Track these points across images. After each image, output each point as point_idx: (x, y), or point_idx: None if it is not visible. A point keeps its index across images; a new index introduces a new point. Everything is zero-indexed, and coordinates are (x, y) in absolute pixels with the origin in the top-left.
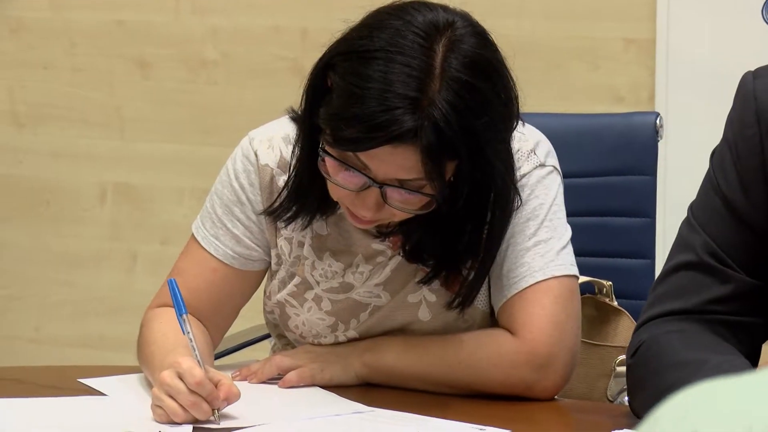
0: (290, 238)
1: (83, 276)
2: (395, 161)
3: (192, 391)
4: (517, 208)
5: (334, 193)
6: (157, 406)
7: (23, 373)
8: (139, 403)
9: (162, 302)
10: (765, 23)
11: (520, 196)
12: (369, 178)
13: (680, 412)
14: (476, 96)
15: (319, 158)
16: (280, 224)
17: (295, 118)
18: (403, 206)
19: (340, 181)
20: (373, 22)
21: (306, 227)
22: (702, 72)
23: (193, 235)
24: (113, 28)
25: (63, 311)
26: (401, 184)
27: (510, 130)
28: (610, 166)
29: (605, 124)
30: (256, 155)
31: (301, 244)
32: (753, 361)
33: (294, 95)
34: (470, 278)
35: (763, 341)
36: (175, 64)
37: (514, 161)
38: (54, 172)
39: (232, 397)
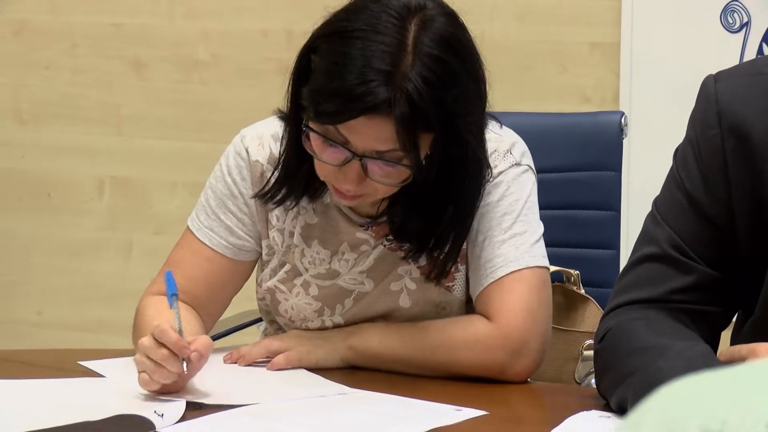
0: (282, 229)
1: (82, 263)
2: (372, 133)
3: (160, 345)
4: (495, 202)
5: (320, 171)
6: (141, 372)
7: (28, 356)
8: (135, 384)
9: (156, 291)
10: (722, 29)
11: (490, 168)
12: (350, 151)
13: (659, 410)
14: (446, 70)
15: (303, 135)
16: (272, 216)
17: (283, 117)
18: (382, 179)
19: (324, 157)
20: (352, 7)
21: (293, 208)
22: (663, 74)
23: (188, 227)
24: (111, 31)
25: (63, 297)
26: (380, 156)
27: (480, 108)
28: (578, 163)
29: (573, 123)
30: (247, 152)
31: (291, 234)
32: (713, 347)
33: (279, 94)
34: (446, 249)
35: (723, 329)
36: (169, 65)
37: (485, 137)
38: (55, 166)
39: (203, 349)
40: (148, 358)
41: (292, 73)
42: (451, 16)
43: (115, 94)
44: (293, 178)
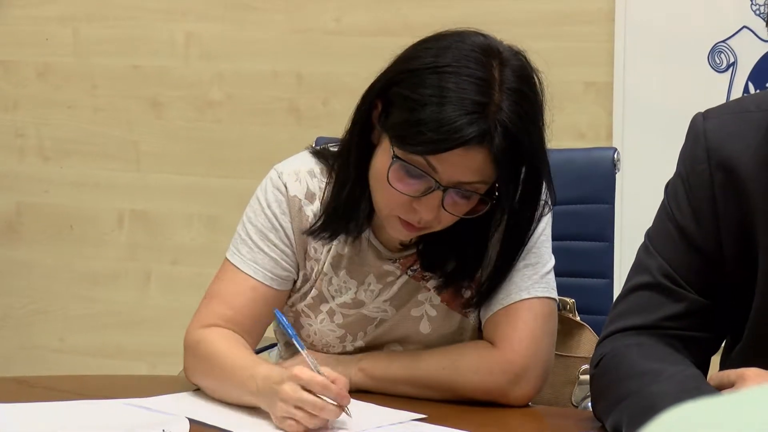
0: (318, 259)
1: (103, 292)
2: (464, 163)
3: (319, 397)
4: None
5: (391, 202)
6: (286, 418)
7: (51, 381)
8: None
9: (207, 323)
10: (710, 69)
11: (555, 196)
12: (435, 181)
13: None
14: (529, 104)
15: (390, 166)
16: (310, 248)
17: (316, 153)
18: (452, 210)
19: (403, 188)
20: (435, 45)
21: (338, 241)
22: (654, 112)
23: (227, 261)
24: (130, 72)
25: (85, 324)
26: (460, 187)
27: (545, 138)
28: (574, 196)
29: (569, 159)
30: (285, 187)
31: (322, 262)
32: (703, 371)
33: (289, 132)
34: (493, 277)
35: (713, 353)
36: (185, 104)
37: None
38: (77, 200)
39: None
40: (299, 408)
41: (359, 110)
42: (523, 56)
43: (133, 131)
44: (350, 216)
